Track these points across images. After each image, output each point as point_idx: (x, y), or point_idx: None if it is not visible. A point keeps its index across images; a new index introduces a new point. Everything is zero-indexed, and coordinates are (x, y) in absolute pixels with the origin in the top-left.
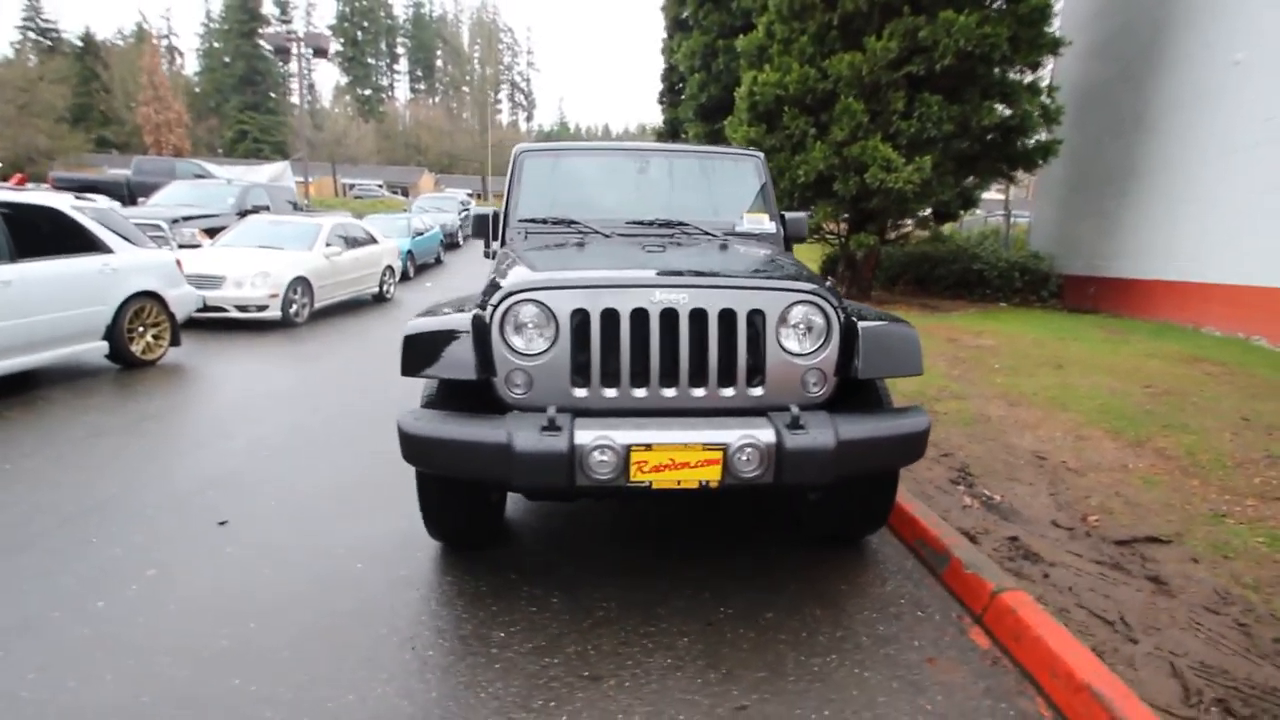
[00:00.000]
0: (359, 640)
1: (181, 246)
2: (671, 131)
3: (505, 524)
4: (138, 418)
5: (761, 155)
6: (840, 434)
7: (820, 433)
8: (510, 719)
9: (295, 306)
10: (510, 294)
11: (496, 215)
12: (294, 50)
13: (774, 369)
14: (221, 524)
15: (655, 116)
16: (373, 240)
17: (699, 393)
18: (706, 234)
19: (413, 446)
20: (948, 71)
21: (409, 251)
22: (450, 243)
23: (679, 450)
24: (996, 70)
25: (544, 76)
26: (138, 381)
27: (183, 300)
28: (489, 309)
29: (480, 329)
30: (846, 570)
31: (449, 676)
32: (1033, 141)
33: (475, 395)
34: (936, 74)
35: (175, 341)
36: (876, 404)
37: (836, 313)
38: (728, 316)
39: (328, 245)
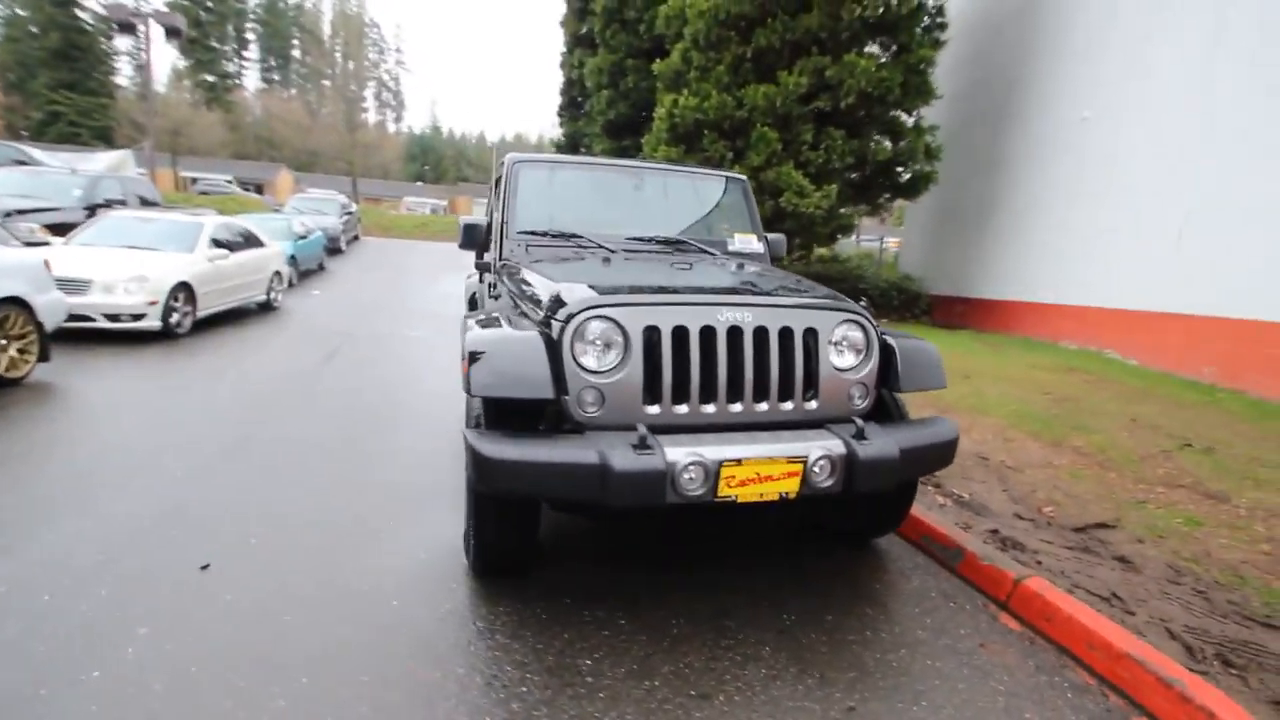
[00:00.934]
0: (441, 685)
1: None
2: (571, 145)
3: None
4: (26, 446)
5: (745, 179)
6: (900, 443)
7: (883, 443)
8: None
9: (177, 316)
10: (582, 310)
11: (489, 226)
12: (141, 28)
13: (825, 383)
14: (204, 568)
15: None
16: (259, 243)
17: (762, 407)
18: (707, 252)
19: (495, 471)
20: (850, 108)
21: (292, 256)
22: (333, 248)
23: (765, 464)
24: (890, 111)
25: (415, 77)
26: (7, 403)
27: (52, 308)
28: (556, 325)
29: (550, 346)
30: (873, 570)
31: (558, 713)
32: (912, 173)
33: (528, 414)
34: (841, 110)
35: (44, 356)
36: (900, 415)
37: (876, 331)
38: (786, 334)
39: (211, 247)
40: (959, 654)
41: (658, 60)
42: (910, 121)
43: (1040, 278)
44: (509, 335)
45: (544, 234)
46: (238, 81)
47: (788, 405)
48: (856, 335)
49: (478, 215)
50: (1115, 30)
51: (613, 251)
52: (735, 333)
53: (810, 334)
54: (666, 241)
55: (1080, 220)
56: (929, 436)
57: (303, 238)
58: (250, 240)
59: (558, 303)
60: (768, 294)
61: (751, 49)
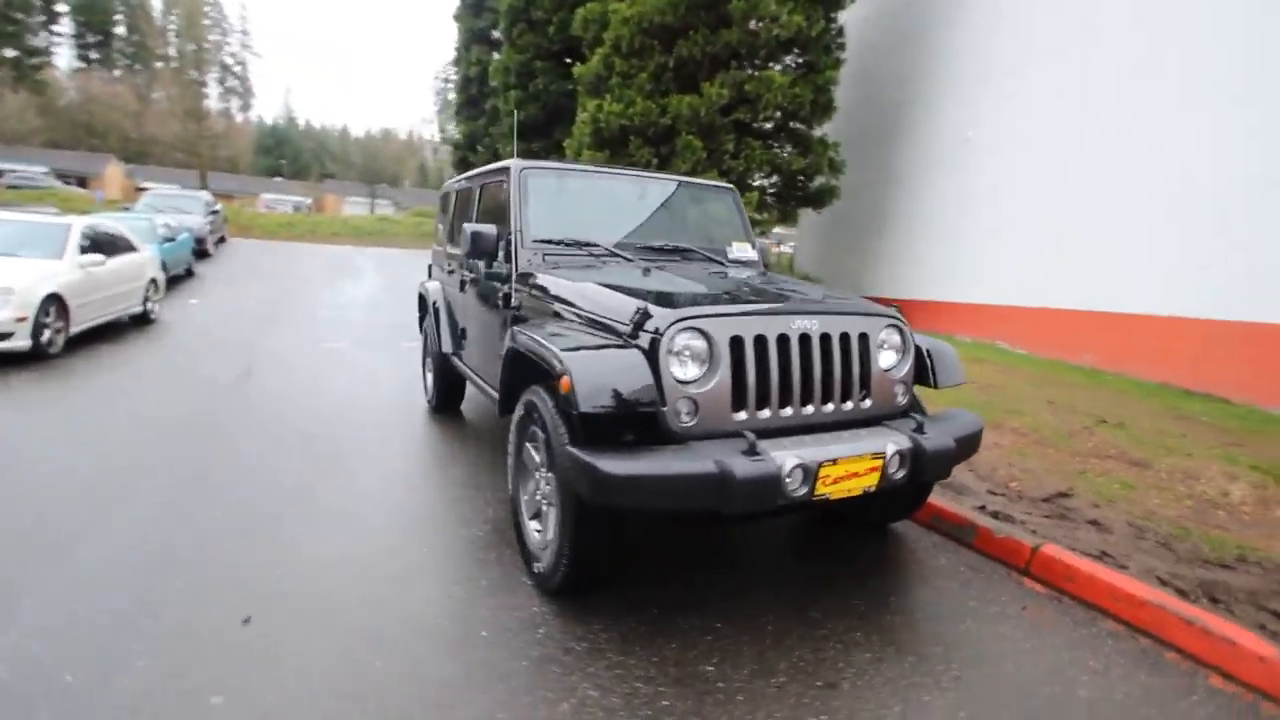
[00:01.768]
0: (584, 711)
1: None
2: (470, 145)
3: None
4: None
5: (734, 188)
6: (952, 434)
7: (940, 436)
8: None
9: (49, 333)
10: (674, 322)
11: (499, 234)
12: None
13: (876, 383)
14: (245, 622)
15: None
16: (131, 247)
17: (828, 408)
18: (715, 260)
19: (617, 486)
20: (768, 121)
21: (161, 262)
22: (200, 250)
23: (854, 462)
24: (801, 125)
25: (265, 63)
26: None
27: None
28: (646, 337)
29: (646, 359)
30: (903, 552)
31: None
32: (817, 185)
33: (620, 428)
34: (759, 122)
35: None
36: (921, 410)
37: (911, 333)
38: (845, 340)
39: (83, 252)
40: (1010, 618)
41: (576, 64)
42: (817, 135)
43: (935, 278)
44: (612, 352)
45: (559, 243)
46: (48, 59)
47: (848, 405)
48: (897, 338)
49: (483, 223)
50: (992, 61)
51: (629, 259)
52: (805, 340)
53: (863, 339)
54: (676, 250)
55: (970, 228)
56: (967, 427)
57: (169, 240)
58: (121, 244)
59: (645, 315)
60: (822, 303)
61: (674, 59)
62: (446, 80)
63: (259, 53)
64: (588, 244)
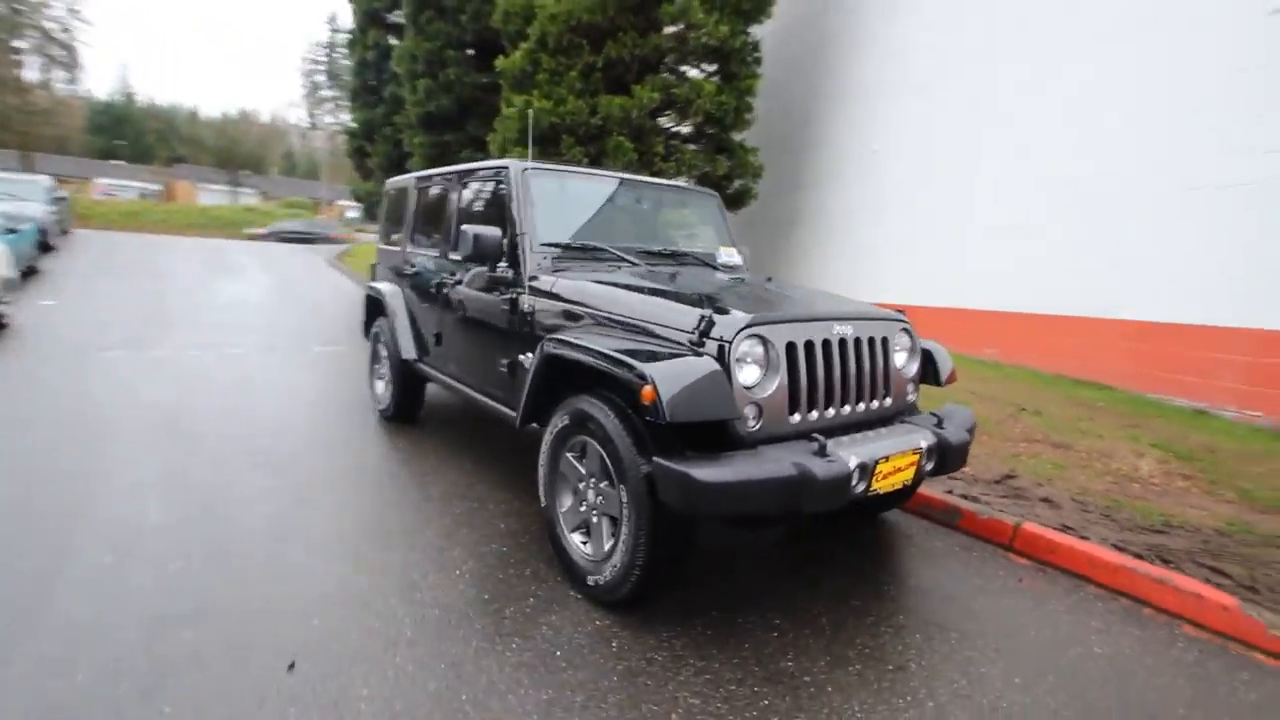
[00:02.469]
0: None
1: None
2: (367, 134)
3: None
4: None
5: (716, 194)
6: (963, 426)
7: (956, 429)
8: None
9: None
10: (741, 330)
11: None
12: None
13: (894, 383)
14: (291, 668)
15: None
16: None
17: (860, 408)
18: (712, 266)
19: (711, 494)
20: (697, 126)
21: (11, 257)
22: (43, 243)
23: (900, 458)
24: (726, 131)
25: (98, 33)
26: None
27: None
28: (713, 345)
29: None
30: (900, 539)
31: (815, 716)
32: (736, 189)
33: (687, 435)
34: (687, 127)
35: None
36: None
37: (917, 336)
38: (872, 343)
39: None
40: (1013, 591)
41: (500, 57)
42: (738, 140)
43: (841, 278)
44: (691, 360)
45: (565, 246)
46: None
47: (875, 405)
48: (907, 340)
49: (486, 226)
50: (898, 78)
51: (635, 263)
52: (843, 344)
53: (884, 342)
54: (674, 254)
55: (880, 233)
56: (969, 420)
57: (12, 231)
58: None
59: (710, 323)
60: (854, 308)
61: (603, 59)
62: (316, 62)
63: (89, 20)
64: (594, 247)
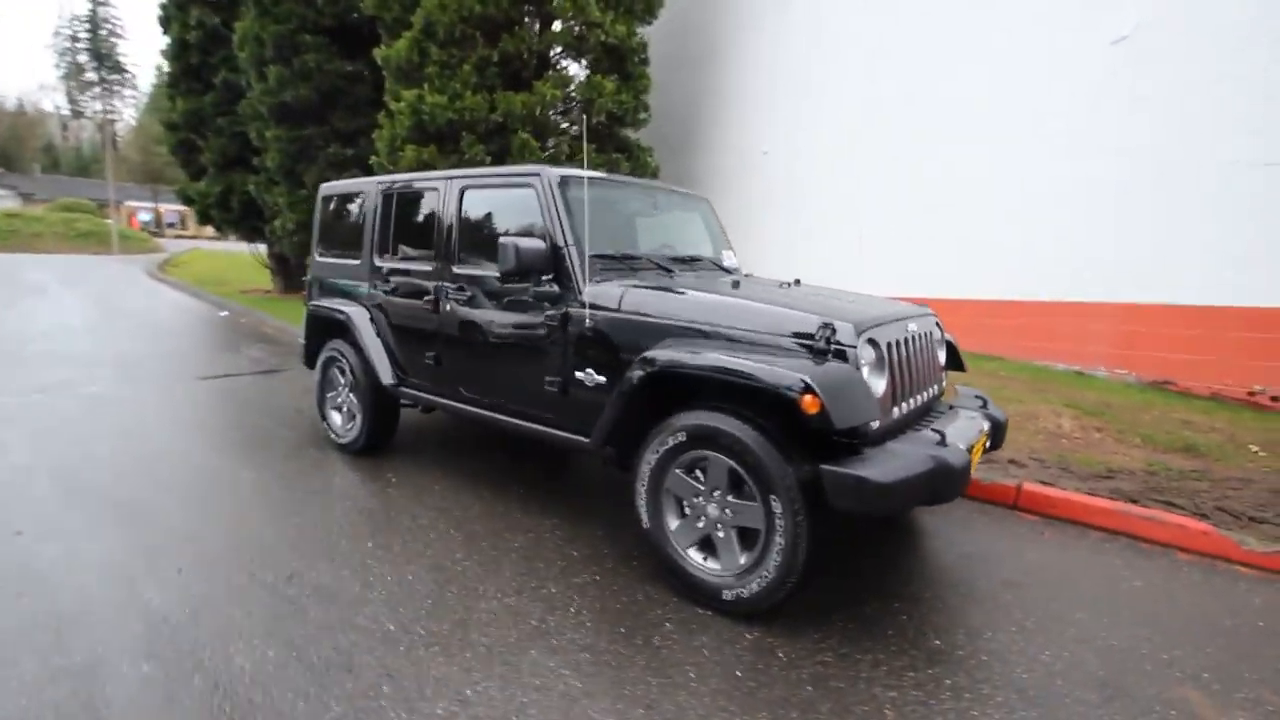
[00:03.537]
0: (856, 710)
1: None
2: (193, 125)
3: None
4: None
5: (707, 198)
6: (997, 406)
7: (996, 409)
8: None
9: None
10: (861, 334)
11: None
12: None
13: (940, 372)
14: None
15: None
16: None
17: (923, 396)
18: (723, 268)
19: (891, 493)
20: (600, 125)
21: None
22: None
23: (979, 441)
24: (625, 130)
25: None
26: None
27: None
28: (840, 350)
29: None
30: (919, 511)
31: (989, 682)
32: None
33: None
34: (593, 127)
35: None
36: None
37: (943, 327)
38: (929, 336)
39: None
40: (1043, 544)
41: (380, 46)
42: (634, 139)
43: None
44: (840, 368)
45: (610, 257)
46: None
47: (930, 393)
48: (938, 332)
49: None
50: (780, 83)
51: (669, 272)
52: (912, 339)
53: (930, 335)
54: (691, 259)
55: (777, 231)
56: (995, 401)
57: None
58: None
59: (832, 329)
60: (903, 308)
61: (498, 53)
62: (75, 38)
63: None
64: (628, 256)
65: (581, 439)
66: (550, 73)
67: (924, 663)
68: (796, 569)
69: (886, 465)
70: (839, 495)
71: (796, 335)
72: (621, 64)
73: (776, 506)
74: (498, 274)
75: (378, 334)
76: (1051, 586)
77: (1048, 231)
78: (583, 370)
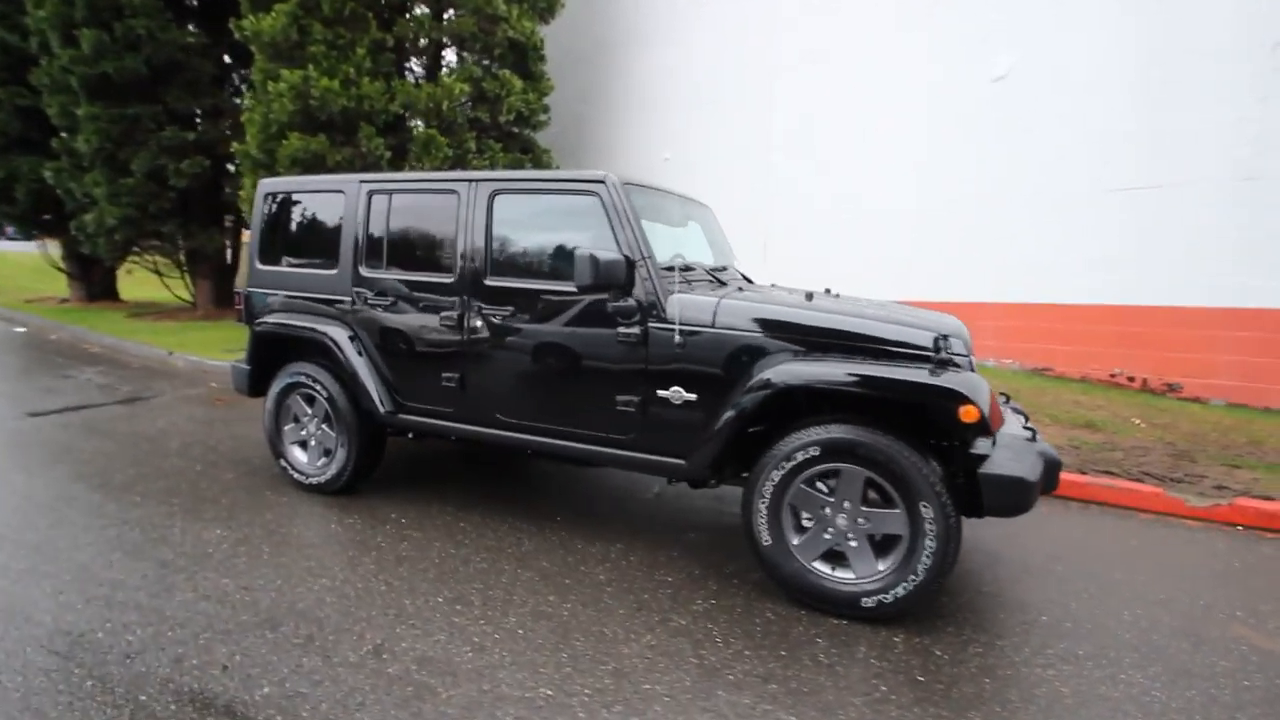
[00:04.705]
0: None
1: None
2: None
3: None
4: None
5: (709, 205)
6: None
7: (1019, 405)
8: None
9: None
10: (959, 341)
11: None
12: None
13: None
14: None
15: None
16: None
17: None
18: (748, 279)
19: (1033, 493)
20: (507, 124)
21: None
22: None
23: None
24: (529, 130)
25: None
26: None
27: None
28: (956, 360)
29: None
30: None
31: (1103, 651)
32: None
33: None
34: (500, 124)
35: None
36: None
37: None
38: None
39: None
40: (1043, 517)
41: (249, 17)
42: (537, 139)
43: None
44: (974, 378)
45: (668, 269)
46: None
47: None
48: None
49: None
50: (678, 90)
51: (723, 283)
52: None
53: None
54: (722, 269)
55: None
56: None
57: None
58: None
59: (946, 340)
60: (945, 316)
61: (394, 37)
62: None
63: None
64: (686, 266)
65: (669, 460)
66: (454, 65)
67: (1054, 638)
68: (947, 569)
69: (1024, 464)
70: (997, 496)
71: (910, 346)
72: (524, 61)
73: (926, 511)
74: (550, 288)
75: (365, 355)
76: (1080, 554)
77: (942, 242)
78: (667, 388)
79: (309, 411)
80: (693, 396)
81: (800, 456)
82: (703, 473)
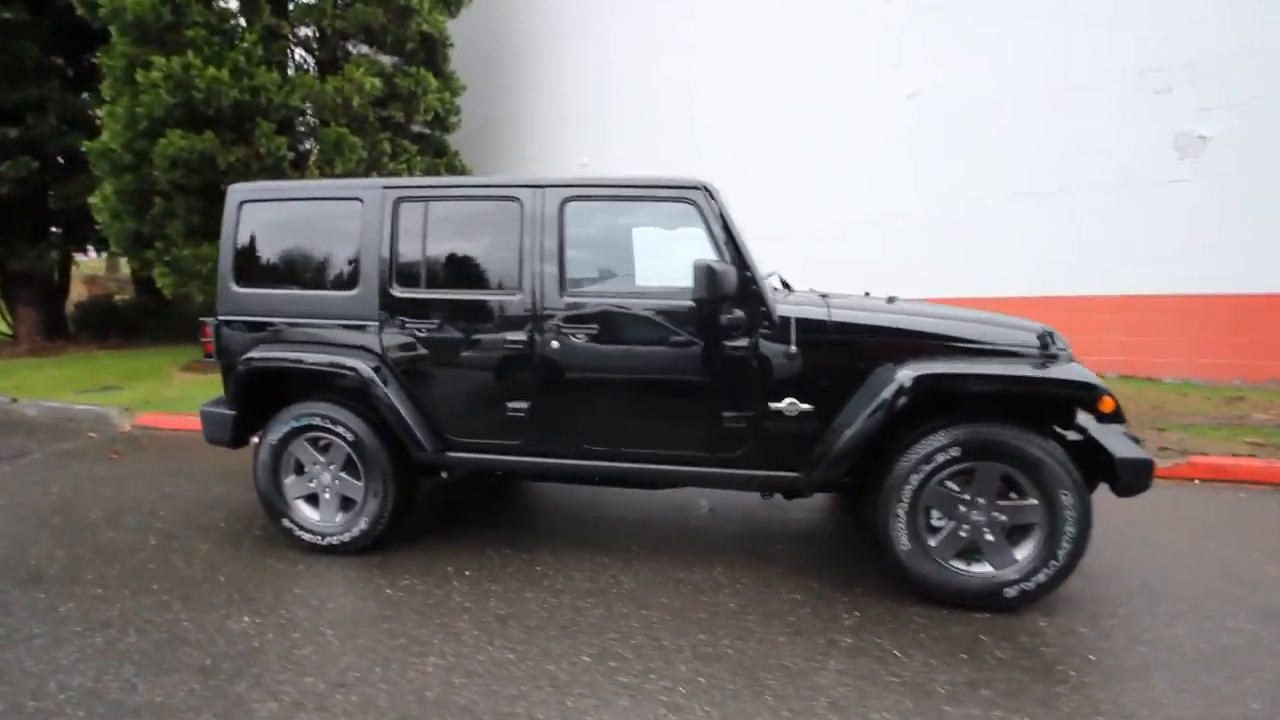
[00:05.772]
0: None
1: None
2: None
3: None
4: None
5: None
6: None
7: None
8: None
9: None
10: (1053, 335)
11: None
12: None
13: None
14: None
15: None
16: None
17: None
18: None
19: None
20: (424, 124)
21: None
22: None
23: None
24: (441, 131)
25: None
26: None
27: None
28: (1059, 355)
29: None
30: None
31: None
32: None
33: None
34: (410, 125)
35: None
36: None
37: None
38: None
39: None
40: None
41: None
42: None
43: None
44: (1086, 370)
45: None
46: None
47: None
48: None
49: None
50: (593, 95)
51: (789, 288)
52: None
53: None
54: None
55: None
56: None
57: None
58: None
59: (1051, 338)
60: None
61: (289, 23)
62: None
63: None
64: (770, 273)
65: (780, 474)
66: (366, 60)
67: (1187, 611)
68: (1083, 551)
69: (1139, 448)
70: (1133, 479)
71: (1017, 344)
72: (434, 59)
73: (1066, 499)
74: (646, 302)
75: (400, 388)
76: (1148, 523)
77: (860, 247)
78: (780, 400)
79: (320, 459)
80: (808, 407)
81: (941, 458)
82: (825, 482)
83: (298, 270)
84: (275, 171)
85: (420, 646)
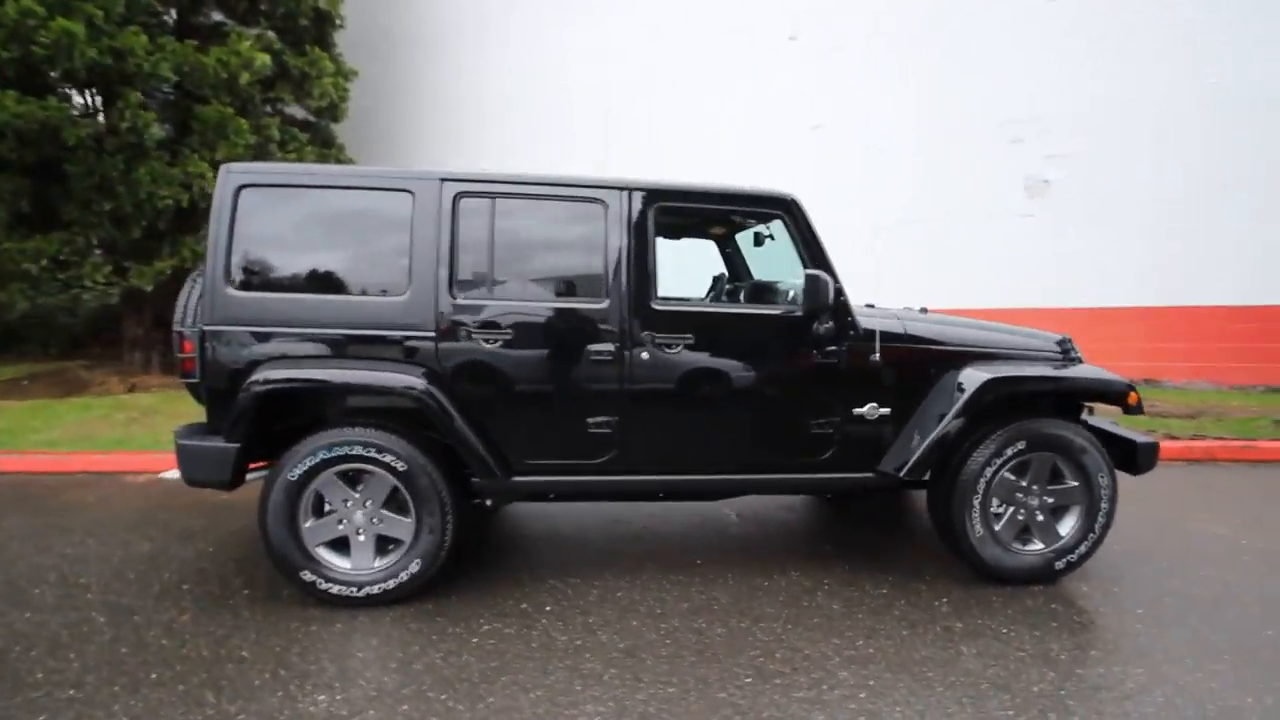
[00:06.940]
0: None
1: None
2: None
3: None
4: None
5: None
6: None
7: None
8: None
9: None
10: (1070, 341)
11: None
12: None
13: None
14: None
15: None
16: None
17: None
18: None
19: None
20: (319, 112)
21: None
22: None
23: None
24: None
25: None
26: None
27: None
28: (1078, 355)
29: None
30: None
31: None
32: None
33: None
34: (302, 106)
35: None
36: None
37: None
38: None
39: None
40: None
41: None
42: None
43: None
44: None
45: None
46: None
47: None
48: None
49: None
50: (496, 97)
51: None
52: None
53: None
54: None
55: None
56: None
57: None
58: None
59: (1068, 341)
60: None
61: None
62: None
63: None
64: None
65: (855, 475)
66: (254, 33)
67: (1182, 561)
68: (1112, 523)
69: (1147, 435)
70: (1148, 460)
71: (1045, 349)
72: (323, 38)
73: (1103, 480)
74: (746, 311)
75: (462, 407)
76: (1172, 502)
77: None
78: (863, 405)
79: (352, 496)
80: (886, 411)
81: (1010, 451)
82: (907, 481)
83: (318, 270)
84: (137, 151)
85: (564, 696)
